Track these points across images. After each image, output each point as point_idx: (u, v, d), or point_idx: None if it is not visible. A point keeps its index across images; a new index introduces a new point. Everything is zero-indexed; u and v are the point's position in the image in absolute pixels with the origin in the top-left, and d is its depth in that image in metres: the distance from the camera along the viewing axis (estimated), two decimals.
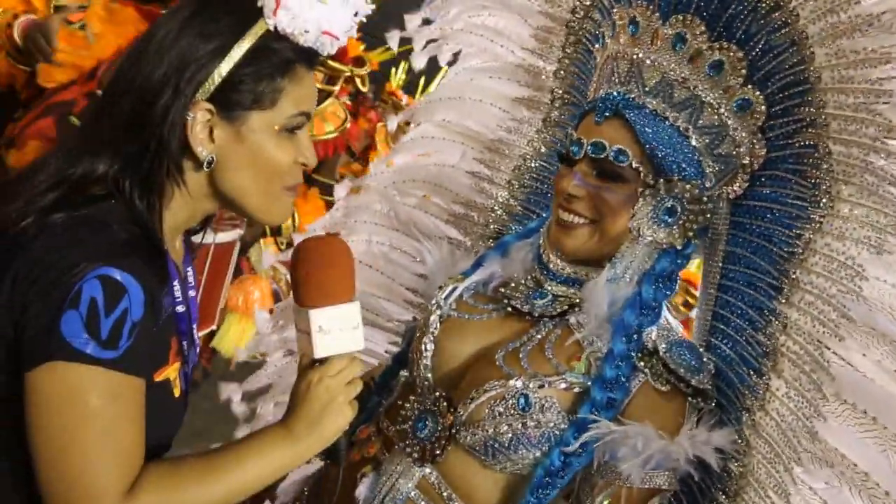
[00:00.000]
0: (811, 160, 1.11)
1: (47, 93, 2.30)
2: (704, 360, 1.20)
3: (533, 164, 1.58)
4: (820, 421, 1.08)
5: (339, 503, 1.29)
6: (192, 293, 1.17)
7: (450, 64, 1.85)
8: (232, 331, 3.13)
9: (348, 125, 2.60)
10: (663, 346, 1.19)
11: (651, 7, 1.19)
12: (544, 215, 1.53)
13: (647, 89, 1.20)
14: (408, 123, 1.99)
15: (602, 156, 1.19)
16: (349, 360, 1.09)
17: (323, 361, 1.08)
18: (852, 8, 1.00)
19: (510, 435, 1.17)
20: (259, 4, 1.05)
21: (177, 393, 1.09)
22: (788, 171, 1.15)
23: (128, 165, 1.04)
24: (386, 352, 1.72)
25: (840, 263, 1.07)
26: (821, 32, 1.05)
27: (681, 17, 1.17)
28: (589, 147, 1.20)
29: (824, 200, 1.09)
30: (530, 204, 1.56)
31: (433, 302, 1.32)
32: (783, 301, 1.14)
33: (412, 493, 1.24)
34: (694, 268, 1.98)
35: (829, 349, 1.07)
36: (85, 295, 0.96)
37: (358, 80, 2.98)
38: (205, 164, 1.06)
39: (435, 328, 1.28)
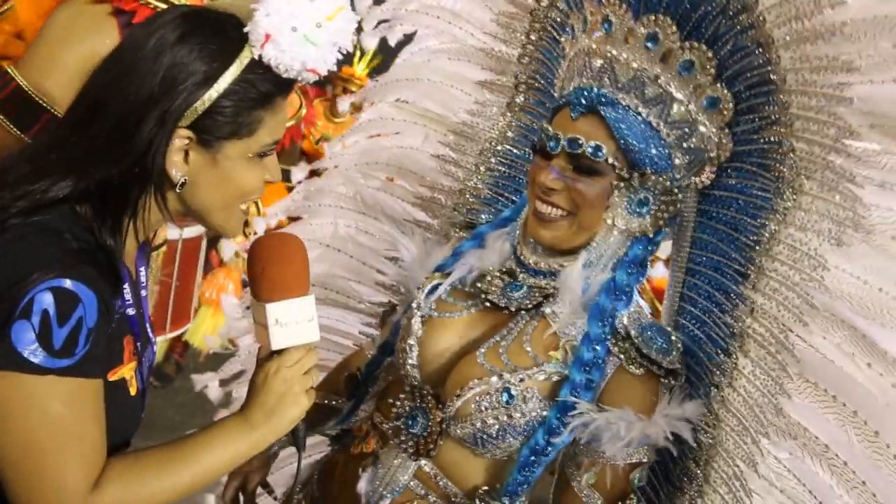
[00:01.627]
0: (776, 155, 1.18)
1: None
2: (673, 339, 1.28)
3: (499, 148, 1.61)
4: (784, 398, 1.17)
5: (342, 495, 1.34)
6: (143, 293, 1.20)
7: (400, 45, 1.85)
8: (206, 324, 3.13)
9: (304, 112, 2.57)
10: (635, 331, 1.26)
11: (624, 6, 1.22)
12: (514, 199, 1.59)
13: (619, 85, 1.24)
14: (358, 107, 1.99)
15: (579, 151, 1.23)
16: (305, 351, 1.13)
17: (280, 353, 1.12)
18: (816, 16, 1.06)
19: (497, 426, 1.23)
20: (245, 30, 1.04)
21: (133, 391, 1.11)
22: (754, 164, 1.22)
23: (99, 188, 1.04)
24: (360, 332, 1.76)
25: (803, 253, 1.15)
26: (786, 37, 1.11)
27: (653, 17, 1.20)
28: (566, 142, 1.24)
29: (788, 193, 1.17)
30: (498, 188, 1.60)
31: (414, 303, 1.35)
32: (749, 286, 1.22)
33: (410, 484, 1.30)
34: None
35: (793, 332, 1.15)
36: (37, 305, 0.97)
37: None
38: (178, 185, 1.07)
39: (418, 330, 1.33)
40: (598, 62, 1.26)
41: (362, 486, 1.34)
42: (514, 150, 1.59)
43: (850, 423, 1.10)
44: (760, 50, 1.14)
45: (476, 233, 1.44)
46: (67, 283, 0.98)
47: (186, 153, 1.06)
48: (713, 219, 1.29)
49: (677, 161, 1.26)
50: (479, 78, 1.65)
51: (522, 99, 1.58)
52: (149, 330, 1.21)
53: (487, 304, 1.33)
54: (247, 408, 1.11)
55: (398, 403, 1.32)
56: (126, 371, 1.09)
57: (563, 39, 1.41)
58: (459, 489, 1.29)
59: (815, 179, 1.13)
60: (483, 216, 1.56)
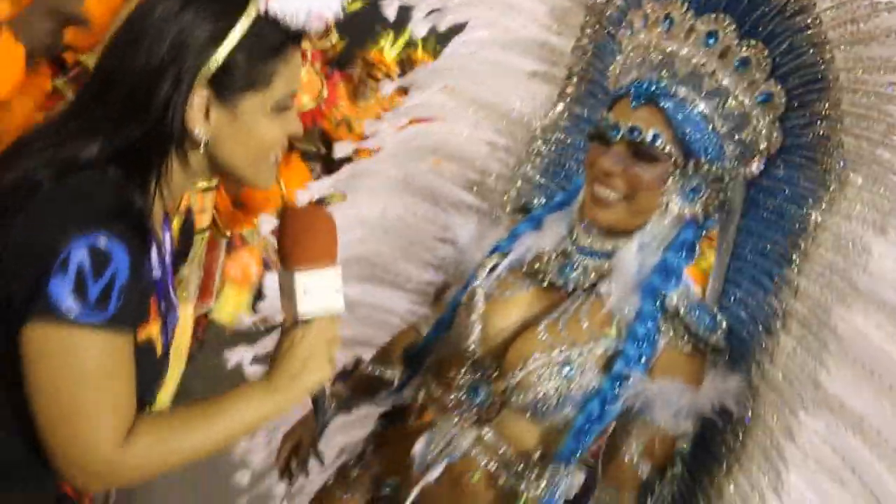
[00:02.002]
0: (824, 149, 1.27)
1: None
2: (718, 318, 1.37)
3: (550, 136, 1.69)
4: (823, 372, 1.26)
5: (399, 464, 1.43)
6: (168, 258, 1.23)
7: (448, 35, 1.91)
8: (231, 301, 3.21)
9: (325, 94, 2.64)
10: (683, 309, 1.34)
11: (685, 4, 1.31)
12: (564, 185, 1.67)
13: (678, 79, 1.32)
14: (405, 91, 2.05)
15: (639, 139, 1.32)
16: (330, 320, 1.15)
17: (306, 322, 1.14)
18: (872, 20, 1.14)
19: (556, 396, 1.32)
20: None
21: (159, 351, 1.16)
22: (803, 156, 1.31)
23: (124, 150, 1.08)
24: (407, 311, 1.84)
25: (847, 240, 1.24)
26: (841, 38, 1.19)
27: (713, 16, 1.29)
28: (626, 131, 1.33)
29: (835, 185, 1.26)
30: (549, 174, 1.68)
31: (476, 282, 1.44)
32: (794, 270, 1.31)
33: (471, 451, 1.39)
34: None
35: (835, 313, 1.25)
36: (72, 261, 1.00)
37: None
38: (202, 144, 1.11)
39: (481, 307, 1.41)
40: (658, 56, 1.34)
41: (417, 449, 1.42)
42: (566, 138, 1.68)
43: (886, 396, 1.19)
44: (815, 49, 1.23)
45: (532, 216, 1.52)
46: (101, 241, 1.02)
47: (207, 111, 1.10)
48: (760, 207, 1.38)
49: (729, 151, 1.35)
50: (529, 68, 1.73)
51: (574, 89, 1.66)
52: (172, 294, 1.24)
53: (545, 283, 1.42)
54: (271, 372, 1.15)
55: (458, 376, 1.41)
56: (153, 329, 1.14)
57: (619, 34, 1.50)
58: (517, 455, 1.38)
59: (861, 172, 1.22)
60: (535, 201, 1.65)
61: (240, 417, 1.13)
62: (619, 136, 1.34)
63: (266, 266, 3.11)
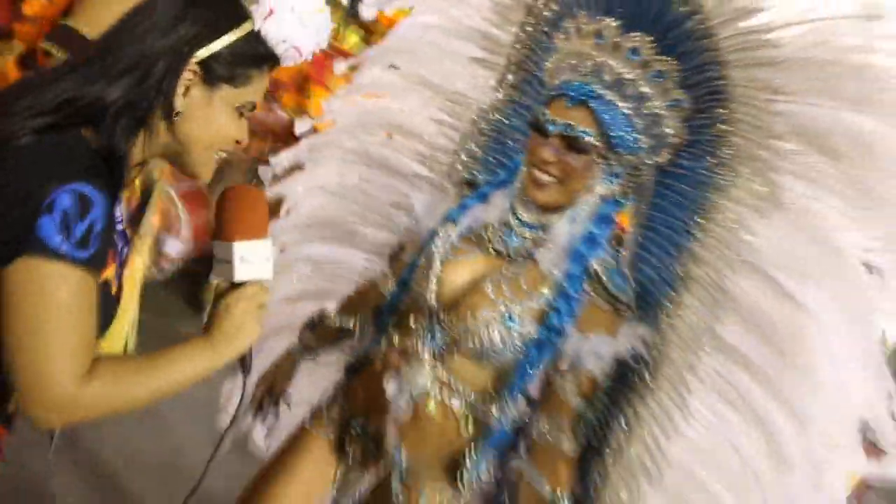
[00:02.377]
0: (719, 146, 1.57)
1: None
2: (629, 281, 1.69)
3: (491, 117, 1.94)
4: (717, 323, 1.61)
5: (371, 401, 1.70)
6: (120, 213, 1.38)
7: None
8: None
9: None
10: (603, 274, 1.65)
11: (614, 23, 1.57)
12: (503, 160, 1.93)
13: (605, 84, 1.59)
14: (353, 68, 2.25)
15: (572, 134, 1.59)
16: (261, 287, 1.31)
17: (239, 286, 1.29)
18: (760, 50, 1.44)
19: (500, 343, 1.62)
20: (251, 7, 1.31)
21: (114, 290, 1.28)
22: (702, 151, 1.61)
23: (117, 110, 1.24)
24: (365, 268, 2.09)
25: (734, 219, 1.56)
26: (736, 61, 1.48)
27: (636, 35, 1.55)
28: (562, 127, 1.59)
29: (727, 175, 1.57)
30: (490, 151, 1.94)
31: (433, 246, 1.70)
32: (693, 241, 1.63)
33: (428, 385, 1.67)
34: None
35: (725, 276, 1.58)
36: (58, 204, 1.11)
37: None
38: (175, 114, 1.26)
39: (437, 269, 1.68)
40: (590, 63, 1.60)
41: (390, 388, 1.70)
42: (504, 120, 1.93)
43: (766, 342, 1.54)
44: (716, 67, 1.52)
45: (480, 191, 1.78)
46: (85, 188, 1.14)
47: (187, 89, 1.27)
48: (668, 189, 1.69)
49: (644, 145, 1.63)
50: (472, 54, 1.96)
51: (513, 77, 1.91)
52: (126, 243, 1.39)
53: (490, 250, 1.70)
54: (210, 331, 1.29)
55: (416, 325, 1.68)
56: (109, 272, 1.25)
57: (554, 36, 1.74)
58: (467, 390, 1.67)
59: (747, 166, 1.54)
60: (479, 176, 1.91)
61: (183, 371, 1.27)
62: (555, 131, 1.60)
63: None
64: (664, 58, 1.56)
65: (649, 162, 1.67)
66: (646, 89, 1.58)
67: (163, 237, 1.36)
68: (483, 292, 1.64)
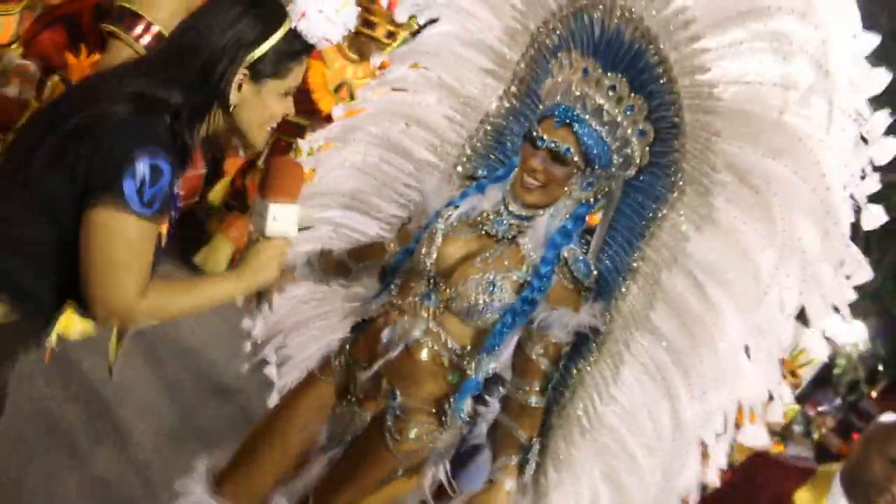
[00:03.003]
0: (673, 170, 1.95)
1: (55, 5, 2.68)
2: (592, 268, 2.08)
3: (494, 121, 2.32)
4: (653, 311, 2.01)
5: (370, 350, 2.10)
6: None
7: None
8: (219, 253, 3.82)
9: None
10: (571, 261, 2.04)
11: (598, 63, 1.95)
12: (501, 158, 2.31)
13: (587, 111, 1.96)
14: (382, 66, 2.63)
15: (557, 150, 1.97)
16: (285, 242, 1.73)
17: (269, 239, 1.69)
18: (708, 100, 1.82)
19: (483, 305, 2.02)
20: (288, 8, 1.66)
21: (163, 243, 1.63)
22: (660, 171, 1.98)
23: (189, 102, 1.61)
24: (376, 235, 2.48)
25: (678, 230, 1.95)
26: (689, 105, 1.86)
27: (615, 74, 1.93)
28: (550, 143, 1.98)
29: (676, 193, 1.96)
30: (491, 150, 2.32)
31: (436, 223, 2.09)
32: (645, 243, 2.02)
33: (422, 337, 2.08)
34: None
35: (663, 274, 1.98)
36: (139, 170, 1.47)
37: None
38: (231, 107, 1.63)
39: (438, 242, 2.07)
40: (577, 93, 1.98)
41: (384, 334, 2.11)
42: (504, 124, 2.31)
43: (684, 330, 1.95)
44: (675, 107, 1.90)
45: (479, 184, 2.17)
46: (159, 160, 1.49)
47: (240, 86, 1.65)
48: (630, 198, 2.07)
49: (615, 162, 2.02)
50: (484, 65, 2.33)
51: (516, 89, 2.28)
52: (177, 213, 1.75)
53: (482, 232, 2.09)
54: (240, 268, 1.73)
55: (416, 287, 2.09)
56: (162, 228, 1.62)
57: (552, 63, 2.12)
58: (454, 343, 2.08)
59: (692, 188, 1.93)
60: (480, 170, 2.29)
61: (216, 292, 1.69)
62: (543, 146, 1.99)
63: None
64: (636, 95, 1.94)
65: (618, 176, 2.06)
66: (619, 119, 1.97)
67: (175, 216, 1.80)
68: (473, 264, 2.04)
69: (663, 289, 1.96)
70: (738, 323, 1.82)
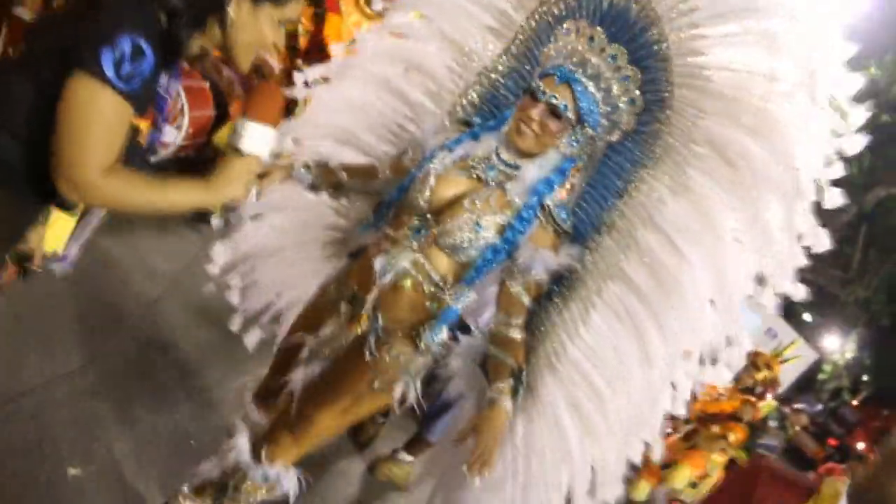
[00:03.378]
0: (656, 138, 2.18)
1: None
2: (569, 216, 2.29)
3: (491, 75, 2.49)
4: (627, 263, 2.23)
5: (363, 275, 2.25)
6: (171, 90, 1.80)
7: None
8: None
9: None
10: (552, 207, 2.25)
11: (603, 32, 2.14)
12: (494, 111, 2.48)
13: (586, 74, 2.16)
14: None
15: (555, 104, 2.16)
16: (256, 160, 1.78)
17: (241, 155, 1.74)
18: (698, 79, 2.04)
19: (468, 242, 2.19)
20: None
21: (142, 142, 1.69)
22: (643, 138, 2.21)
23: (189, 7, 1.63)
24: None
25: (654, 192, 2.18)
26: (679, 82, 2.08)
27: (617, 45, 2.13)
28: (550, 97, 2.16)
29: (656, 160, 2.18)
30: (486, 101, 2.49)
31: (431, 164, 2.24)
32: (622, 200, 2.24)
33: (408, 267, 2.23)
34: None
35: (638, 231, 2.20)
36: (120, 46, 1.48)
37: None
38: (228, 22, 1.69)
39: (432, 181, 2.23)
40: (578, 57, 2.17)
41: (377, 263, 2.26)
42: (501, 80, 2.48)
43: (654, 278, 2.18)
44: (666, 82, 2.12)
45: (473, 131, 2.33)
46: (142, 42, 1.50)
47: (238, 3, 1.72)
48: (611, 160, 2.29)
49: (603, 124, 2.22)
50: (488, 23, 2.48)
51: (515, 49, 2.45)
52: (163, 116, 1.82)
53: (473, 175, 2.26)
54: (210, 179, 1.73)
55: (407, 220, 2.24)
56: (143, 124, 1.71)
57: (556, 28, 2.30)
58: (437, 275, 2.25)
59: (671, 157, 2.15)
60: (474, 118, 2.45)
61: (183, 197, 1.68)
62: (544, 99, 2.17)
63: None
64: (633, 67, 2.15)
65: (604, 137, 2.26)
66: (614, 85, 2.17)
67: (162, 125, 1.80)
68: (462, 204, 2.21)
69: (638, 243, 2.19)
70: (705, 276, 2.06)
